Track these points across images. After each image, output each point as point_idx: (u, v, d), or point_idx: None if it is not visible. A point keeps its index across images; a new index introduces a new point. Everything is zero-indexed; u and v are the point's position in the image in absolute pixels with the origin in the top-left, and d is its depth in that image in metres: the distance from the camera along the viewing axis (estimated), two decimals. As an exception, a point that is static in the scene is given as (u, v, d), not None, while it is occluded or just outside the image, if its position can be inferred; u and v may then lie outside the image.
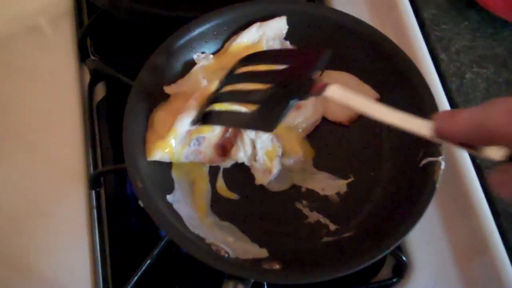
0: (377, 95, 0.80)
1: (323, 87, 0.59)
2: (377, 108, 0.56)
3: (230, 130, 0.76)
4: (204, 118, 0.69)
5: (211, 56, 0.81)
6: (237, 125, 0.71)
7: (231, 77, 0.69)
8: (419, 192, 0.70)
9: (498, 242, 0.78)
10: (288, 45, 0.83)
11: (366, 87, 0.81)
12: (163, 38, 0.78)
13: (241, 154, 0.76)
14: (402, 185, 0.74)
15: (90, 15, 0.96)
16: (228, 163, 0.77)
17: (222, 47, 0.83)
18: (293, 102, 0.60)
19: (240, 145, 0.76)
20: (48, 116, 0.85)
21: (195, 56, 0.81)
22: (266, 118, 0.62)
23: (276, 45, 0.83)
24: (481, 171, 0.84)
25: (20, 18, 0.94)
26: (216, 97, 0.69)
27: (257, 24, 0.81)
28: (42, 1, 0.96)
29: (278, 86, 0.62)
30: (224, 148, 0.76)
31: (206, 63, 0.80)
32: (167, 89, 0.78)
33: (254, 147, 0.76)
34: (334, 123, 0.82)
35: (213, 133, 0.75)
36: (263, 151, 0.76)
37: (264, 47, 0.81)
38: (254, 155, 0.76)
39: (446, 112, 0.52)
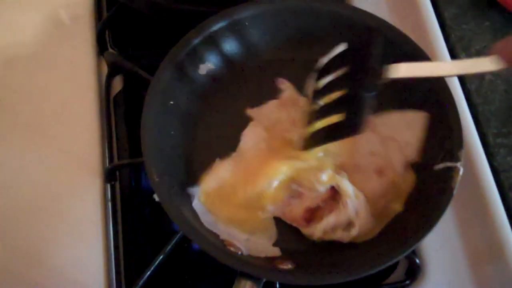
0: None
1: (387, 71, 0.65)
2: (443, 68, 0.64)
3: (329, 200, 0.73)
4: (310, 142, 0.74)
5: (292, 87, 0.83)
6: (333, 140, 0.73)
7: (316, 94, 0.74)
8: (436, 198, 0.69)
9: (513, 245, 0.77)
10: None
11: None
12: (183, 33, 0.78)
13: (327, 227, 0.72)
14: (419, 190, 0.74)
15: (109, 7, 0.97)
16: (306, 231, 0.73)
17: (248, 43, 0.84)
18: (369, 97, 0.67)
19: (332, 219, 0.71)
20: (65, 108, 0.86)
21: (279, 82, 0.83)
22: (352, 123, 0.68)
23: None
24: (498, 174, 0.83)
25: (39, 9, 0.94)
26: (313, 116, 0.74)
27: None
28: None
29: (353, 87, 0.69)
30: (312, 215, 0.73)
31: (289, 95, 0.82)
32: (250, 112, 0.81)
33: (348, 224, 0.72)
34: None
35: (312, 193, 0.73)
36: (358, 232, 0.72)
37: None
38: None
39: (501, 44, 0.58)
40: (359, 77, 0.68)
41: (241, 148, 0.77)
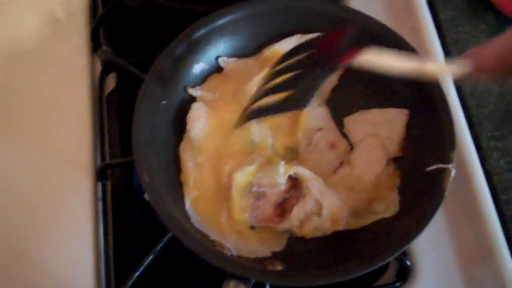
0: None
1: (354, 54, 0.61)
2: (413, 63, 0.59)
3: (292, 190, 0.74)
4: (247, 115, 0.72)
5: (235, 59, 0.82)
6: (276, 112, 0.72)
7: (271, 75, 0.71)
8: (427, 199, 0.69)
9: (504, 248, 0.77)
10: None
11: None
12: (177, 31, 0.78)
13: (301, 215, 0.72)
14: (410, 191, 0.73)
15: (104, 5, 0.96)
16: (284, 226, 0.73)
17: (242, 43, 0.83)
18: (322, 77, 0.65)
19: (301, 206, 0.72)
20: (58, 105, 0.85)
21: (220, 60, 0.82)
22: (298, 96, 0.66)
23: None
24: (489, 176, 0.83)
25: (34, 6, 0.94)
26: (259, 94, 0.71)
27: (298, 36, 0.82)
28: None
29: (306, 70, 0.66)
30: (283, 209, 0.73)
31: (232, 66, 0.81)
32: (191, 91, 0.79)
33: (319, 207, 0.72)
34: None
35: (274, 189, 0.73)
36: (330, 212, 0.72)
37: None
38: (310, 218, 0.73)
39: (473, 50, 0.56)
40: (318, 61, 0.66)
41: (191, 134, 0.77)
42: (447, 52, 0.93)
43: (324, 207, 0.71)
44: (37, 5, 0.94)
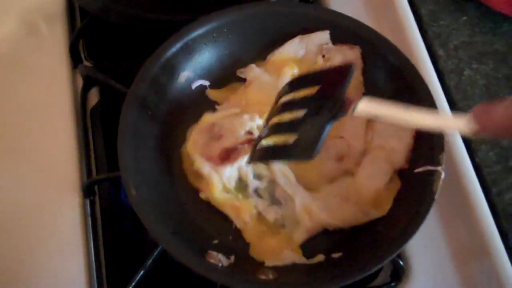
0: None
1: (352, 104, 0.60)
2: (411, 114, 0.58)
3: (244, 142, 0.74)
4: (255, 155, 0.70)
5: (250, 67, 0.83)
6: (281, 159, 0.71)
7: (273, 110, 0.70)
8: (418, 203, 0.68)
9: (498, 243, 0.77)
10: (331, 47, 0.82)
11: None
12: (159, 42, 0.78)
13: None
14: (402, 193, 0.73)
15: (82, 19, 0.95)
16: (222, 170, 0.73)
17: (229, 49, 0.83)
18: (328, 126, 0.61)
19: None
20: (41, 122, 0.84)
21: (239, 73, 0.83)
22: (305, 146, 0.62)
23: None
24: (480, 171, 0.83)
25: (12, 18, 0.93)
26: (263, 133, 0.69)
27: (300, 37, 0.82)
28: (34, 4, 0.95)
29: (312, 111, 0.64)
30: (228, 154, 0.73)
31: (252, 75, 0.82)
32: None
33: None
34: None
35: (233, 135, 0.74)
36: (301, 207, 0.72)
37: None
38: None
39: (480, 108, 0.53)
40: (323, 104, 0.63)
41: None
42: (429, 47, 0.93)
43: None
44: (14, 18, 0.93)
